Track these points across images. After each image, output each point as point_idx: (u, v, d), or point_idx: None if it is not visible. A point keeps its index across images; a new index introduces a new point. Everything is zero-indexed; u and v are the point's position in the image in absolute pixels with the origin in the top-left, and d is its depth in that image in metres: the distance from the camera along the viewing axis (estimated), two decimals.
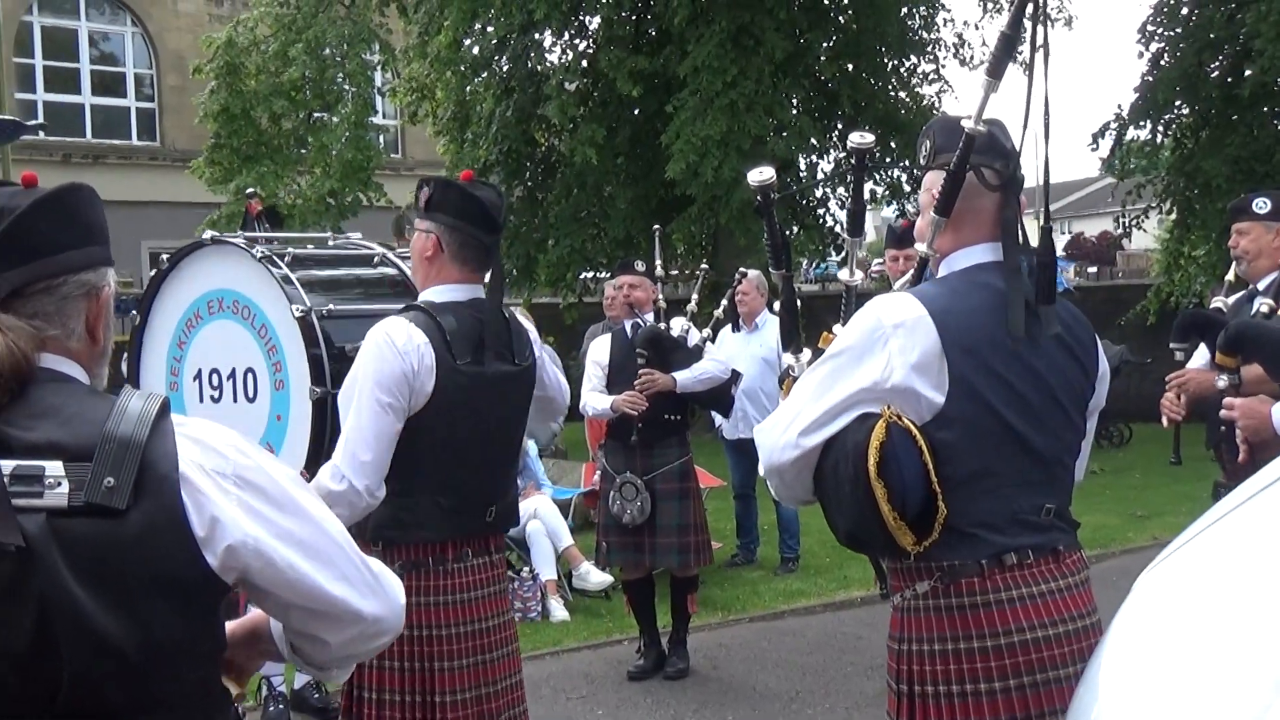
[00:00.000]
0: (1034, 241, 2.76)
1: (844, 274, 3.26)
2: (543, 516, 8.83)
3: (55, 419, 1.84)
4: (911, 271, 3.02)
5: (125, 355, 5.42)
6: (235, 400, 5.08)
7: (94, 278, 2.01)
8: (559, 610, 8.52)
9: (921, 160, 2.98)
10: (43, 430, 1.82)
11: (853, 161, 3.19)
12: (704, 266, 9.52)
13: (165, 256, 5.43)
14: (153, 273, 5.45)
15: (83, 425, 1.84)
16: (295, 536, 1.95)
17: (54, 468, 1.79)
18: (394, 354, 3.52)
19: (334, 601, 2.01)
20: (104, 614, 1.77)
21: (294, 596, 1.98)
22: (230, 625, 2.19)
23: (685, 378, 7.09)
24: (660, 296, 7.34)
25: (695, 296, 8.26)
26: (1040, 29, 2.66)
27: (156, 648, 1.82)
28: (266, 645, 2.22)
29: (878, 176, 19.27)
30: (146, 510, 1.80)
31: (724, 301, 8.93)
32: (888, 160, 18.94)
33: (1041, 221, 2.74)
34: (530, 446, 9.80)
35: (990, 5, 20.16)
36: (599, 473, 8.04)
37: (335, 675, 2.26)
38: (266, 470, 1.96)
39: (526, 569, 8.76)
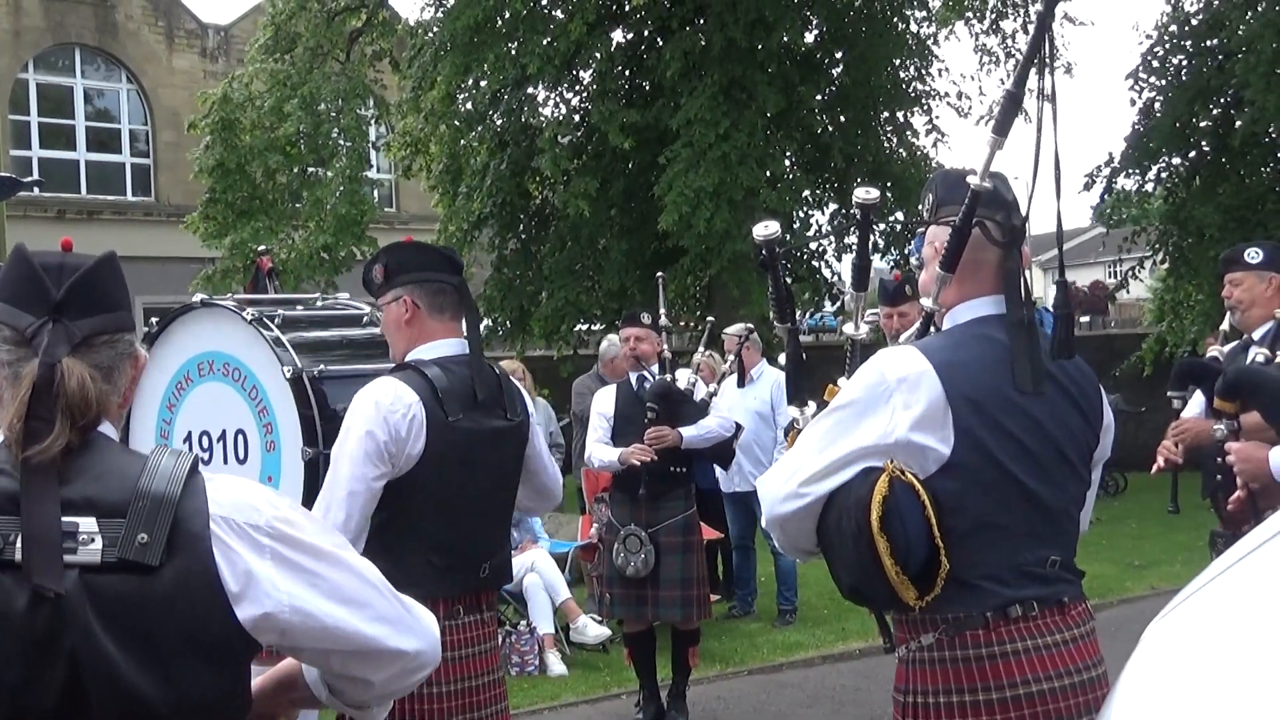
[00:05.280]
0: (1042, 293, 2.79)
1: (849, 328, 3.28)
2: (540, 570, 8.81)
3: (89, 475, 1.86)
4: (916, 326, 3.04)
5: None
6: (225, 462, 5.09)
7: (136, 341, 2.07)
8: (557, 664, 8.47)
9: (924, 214, 3.00)
10: (78, 487, 1.84)
11: (857, 216, 3.21)
12: (709, 319, 9.56)
13: (155, 320, 5.43)
14: (143, 332, 5.45)
15: (116, 482, 1.86)
16: (331, 584, 1.97)
17: (87, 524, 1.81)
18: (380, 416, 3.53)
19: (374, 643, 2.03)
20: (135, 670, 1.78)
21: (333, 644, 2.00)
22: (259, 678, 2.20)
23: (691, 434, 7.10)
24: (665, 348, 7.35)
25: (702, 349, 8.29)
26: (1049, 81, 2.69)
27: (186, 705, 1.83)
28: (300, 694, 2.23)
29: (874, 229, 19.31)
30: (179, 567, 1.82)
31: (730, 357, 8.96)
32: (883, 211, 18.99)
33: (1057, 275, 2.77)
34: None
35: (986, 58, 20.29)
36: (600, 524, 8.03)
37: (376, 714, 2.26)
38: (298, 520, 1.99)
39: (524, 623, 8.72)
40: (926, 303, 2.95)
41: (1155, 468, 5.37)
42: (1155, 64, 18.49)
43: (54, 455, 1.82)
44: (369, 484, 3.54)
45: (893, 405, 2.70)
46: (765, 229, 3.26)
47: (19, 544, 1.78)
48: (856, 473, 2.72)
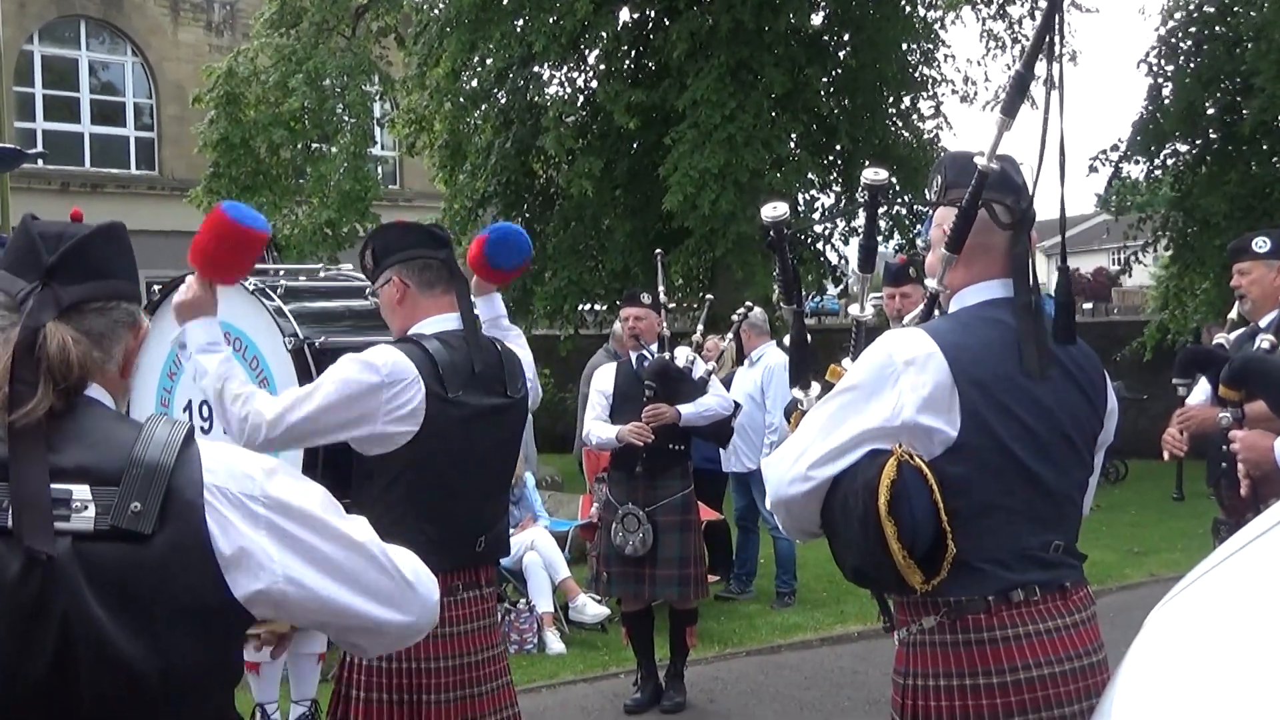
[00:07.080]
0: (1044, 279, 2.78)
1: (854, 309, 3.27)
2: (539, 548, 8.82)
3: (84, 443, 1.86)
4: (920, 307, 3.02)
5: None
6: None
7: (137, 310, 2.07)
8: (555, 643, 8.49)
9: (932, 196, 2.99)
10: (71, 454, 1.84)
11: (865, 198, 3.21)
12: (709, 297, 9.57)
13: (157, 288, 5.41)
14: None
15: (110, 450, 1.86)
16: (326, 558, 1.98)
17: (81, 491, 1.80)
18: (371, 370, 3.53)
19: (366, 617, 2.05)
20: (126, 639, 1.78)
21: (328, 616, 2.02)
22: None
23: (689, 412, 7.10)
24: (665, 325, 7.34)
25: (701, 328, 8.29)
26: (1055, 68, 2.67)
27: (175, 673, 1.83)
28: None
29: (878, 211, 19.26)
30: (171, 536, 1.82)
31: (729, 335, 8.96)
32: (888, 194, 18.96)
33: (1059, 261, 2.76)
34: (528, 478, 9.81)
35: (993, 44, 20.23)
36: (600, 503, 8.03)
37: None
38: (297, 489, 1.99)
39: (523, 601, 8.73)
40: (931, 283, 2.94)
41: (1167, 455, 5.37)
42: (1166, 50, 18.43)
43: (38, 419, 1.82)
44: (335, 413, 3.53)
45: (899, 387, 2.68)
46: (774, 210, 3.26)
47: (9, 508, 1.78)
48: (863, 455, 2.71)
